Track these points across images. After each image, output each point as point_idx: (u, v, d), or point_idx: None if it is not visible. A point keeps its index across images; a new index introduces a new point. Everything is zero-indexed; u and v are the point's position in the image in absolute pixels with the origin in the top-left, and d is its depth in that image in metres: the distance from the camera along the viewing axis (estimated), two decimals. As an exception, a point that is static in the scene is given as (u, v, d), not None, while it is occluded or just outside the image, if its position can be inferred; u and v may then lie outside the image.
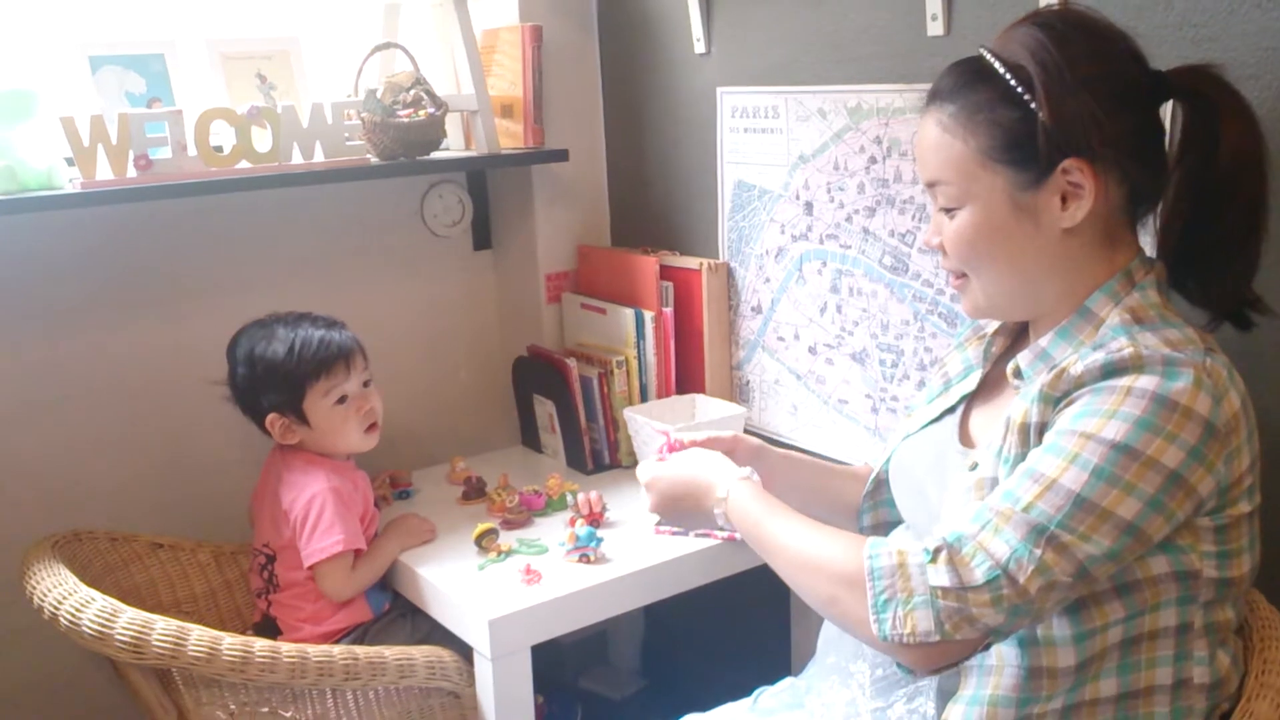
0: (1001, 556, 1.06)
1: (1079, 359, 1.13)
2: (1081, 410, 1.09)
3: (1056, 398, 1.13)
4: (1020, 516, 1.07)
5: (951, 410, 1.36)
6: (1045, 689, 1.15)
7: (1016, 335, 1.36)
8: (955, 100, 1.20)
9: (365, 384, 1.92)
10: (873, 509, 1.48)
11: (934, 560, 1.09)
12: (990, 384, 1.35)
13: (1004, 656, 1.17)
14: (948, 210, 1.23)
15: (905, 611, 1.09)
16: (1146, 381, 1.07)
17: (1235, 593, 1.17)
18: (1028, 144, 1.15)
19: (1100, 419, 1.07)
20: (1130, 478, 1.06)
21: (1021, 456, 1.14)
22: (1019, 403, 1.18)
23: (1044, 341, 1.22)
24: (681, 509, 1.45)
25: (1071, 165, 1.14)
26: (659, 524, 1.91)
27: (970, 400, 1.36)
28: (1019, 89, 1.15)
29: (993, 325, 1.39)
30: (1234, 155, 1.16)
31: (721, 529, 1.40)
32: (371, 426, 1.92)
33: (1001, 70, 1.17)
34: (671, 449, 1.55)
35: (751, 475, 1.38)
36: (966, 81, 1.20)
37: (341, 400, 1.87)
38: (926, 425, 1.38)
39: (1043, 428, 1.13)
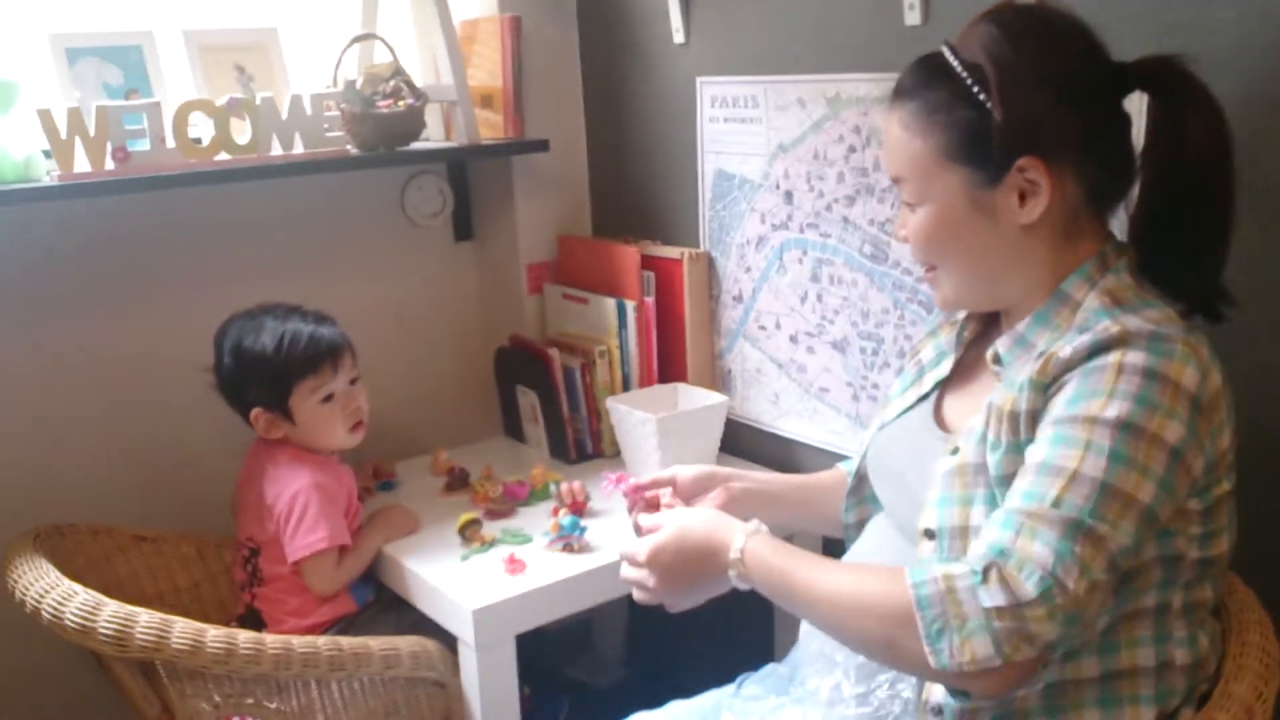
0: (1047, 561, 1.03)
1: (1065, 343, 1.13)
2: (1075, 393, 1.09)
3: (1046, 384, 1.13)
4: (1052, 513, 1.05)
5: (925, 397, 1.37)
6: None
7: (988, 319, 1.37)
8: (915, 98, 1.21)
9: (353, 382, 1.91)
10: (856, 505, 1.48)
11: (985, 580, 1.04)
12: (964, 369, 1.36)
13: None
14: (911, 205, 1.25)
15: (962, 638, 1.03)
16: (1135, 357, 1.08)
17: (1214, 572, 1.18)
18: (984, 143, 1.16)
19: (1100, 399, 1.07)
20: (1142, 458, 1.05)
21: (1015, 445, 1.14)
22: (1003, 390, 1.18)
23: (1021, 327, 1.23)
24: (689, 581, 1.28)
25: (1027, 163, 1.15)
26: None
27: (944, 386, 1.36)
28: (974, 88, 1.16)
29: (964, 310, 1.40)
30: (1199, 148, 1.16)
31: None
32: (357, 425, 1.92)
33: (958, 69, 1.18)
34: (631, 492, 1.54)
35: (760, 527, 1.25)
36: (925, 80, 1.21)
37: (328, 399, 1.86)
38: (902, 414, 1.39)
39: (1034, 416, 1.13)
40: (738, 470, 1.58)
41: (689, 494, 1.53)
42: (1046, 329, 1.20)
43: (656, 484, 1.54)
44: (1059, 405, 1.10)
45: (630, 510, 1.54)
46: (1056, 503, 1.05)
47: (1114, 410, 1.06)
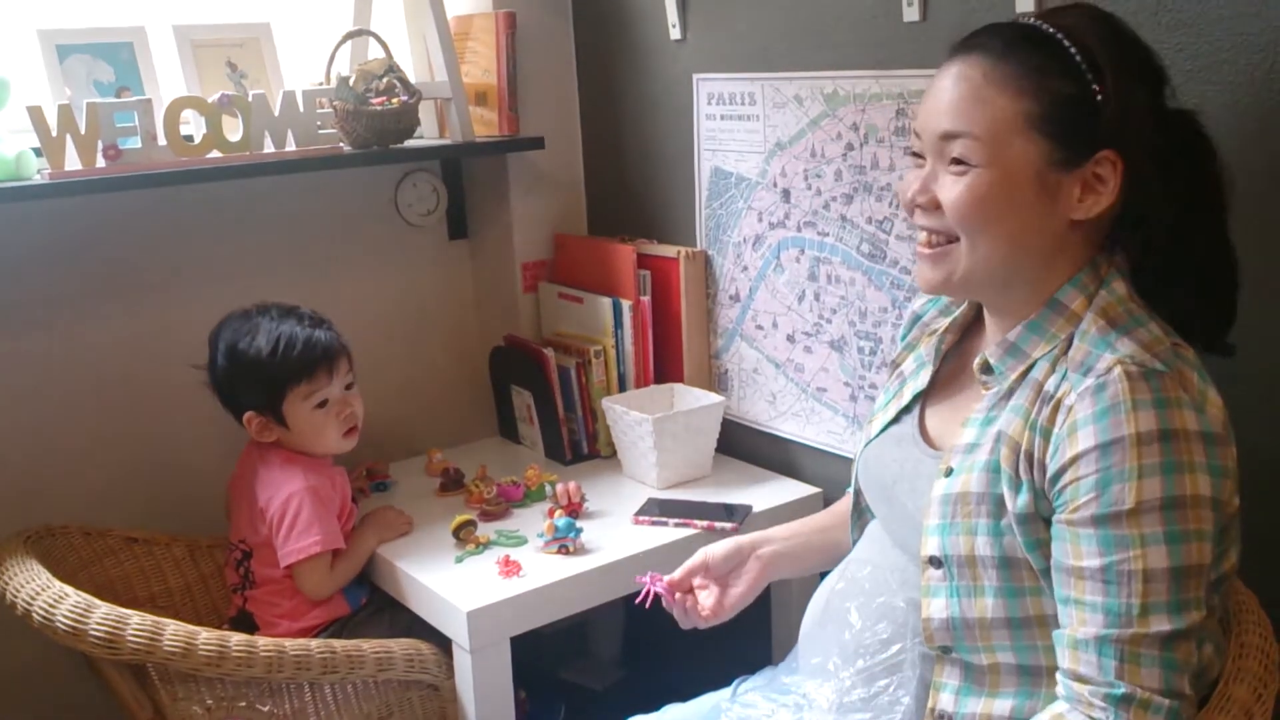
0: (1161, 685, 1.06)
1: (1070, 386, 1.11)
2: (1101, 480, 1.07)
3: (1061, 436, 1.10)
4: (1145, 633, 1.06)
5: (908, 410, 1.35)
6: (1044, 686, 1.17)
7: (964, 330, 1.35)
8: (1006, 56, 1.15)
9: (348, 387, 1.89)
10: (858, 520, 1.47)
11: None
12: (944, 381, 1.34)
13: (998, 656, 1.18)
14: (961, 164, 1.16)
15: None
16: (1146, 420, 1.06)
17: (1223, 586, 1.18)
18: (1074, 122, 1.13)
19: (1131, 484, 1.05)
20: (1193, 525, 1.06)
21: (1031, 485, 1.13)
22: (1012, 417, 1.16)
23: (1012, 336, 1.20)
24: None
25: (1108, 157, 1.13)
26: (638, 513, 1.91)
27: (924, 398, 1.35)
28: (1083, 65, 1.13)
29: (942, 322, 1.38)
30: (1198, 204, 1.16)
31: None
32: (351, 430, 1.90)
33: (1066, 43, 1.14)
34: (666, 591, 1.49)
35: None
36: (1019, 43, 1.16)
37: (322, 404, 1.84)
38: (885, 428, 1.37)
39: (1043, 465, 1.12)
40: (762, 534, 1.54)
41: (721, 572, 1.50)
42: (1041, 339, 1.18)
43: (690, 573, 1.50)
44: (1086, 495, 1.08)
45: (669, 606, 1.49)
46: (1144, 613, 1.05)
47: (1149, 492, 1.05)
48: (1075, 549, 1.09)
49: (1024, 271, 1.20)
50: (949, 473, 1.21)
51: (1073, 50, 1.13)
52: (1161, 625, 1.05)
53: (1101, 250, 1.21)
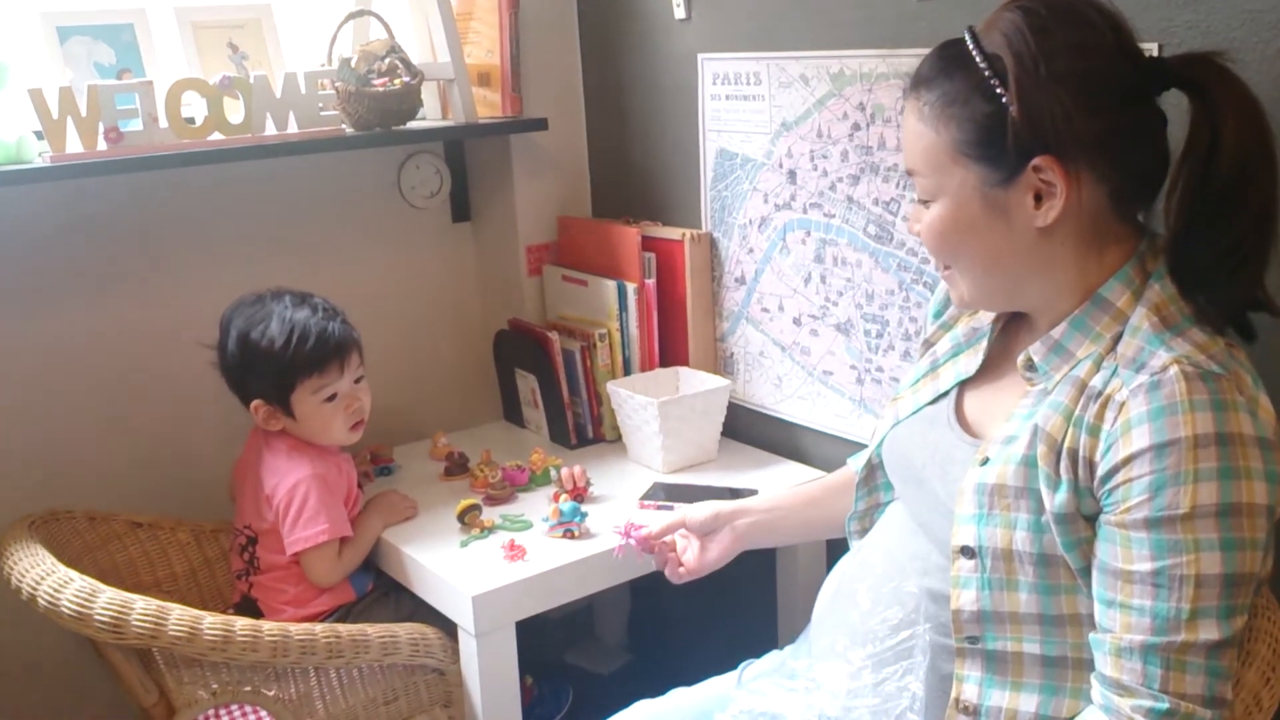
0: (1205, 691, 1.05)
1: (1122, 384, 1.09)
2: (1155, 482, 1.05)
3: (1115, 434, 1.08)
4: (1193, 641, 1.04)
5: (945, 394, 1.33)
6: (1069, 680, 1.16)
7: (1012, 314, 1.32)
8: (933, 88, 1.16)
9: (357, 381, 1.88)
10: (868, 494, 1.46)
11: None
12: (987, 368, 1.31)
13: (1025, 646, 1.17)
14: (924, 202, 1.20)
15: None
16: (1203, 423, 1.04)
17: (1258, 589, 1.16)
18: (999, 139, 1.11)
19: (1186, 488, 1.04)
20: (1248, 533, 1.04)
21: (1074, 485, 1.11)
22: (1049, 413, 1.14)
23: (1057, 333, 1.18)
24: None
25: (1042, 164, 1.11)
26: (643, 498, 1.91)
27: (964, 384, 1.32)
28: (992, 81, 1.11)
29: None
30: (1235, 156, 1.09)
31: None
32: (357, 424, 1.89)
33: (978, 59, 1.13)
34: (637, 538, 1.59)
35: None
36: (944, 69, 1.16)
37: (331, 398, 1.83)
38: (918, 410, 1.34)
39: (1091, 464, 1.10)
40: (743, 505, 1.60)
41: (699, 533, 1.58)
42: (1085, 336, 1.16)
43: (667, 530, 1.59)
44: (1139, 496, 1.06)
45: (643, 555, 1.59)
46: (1193, 618, 1.04)
47: (1205, 497, 1.03)
48: (1125, 552, 1.07)
49: (1021, 283, 1.19)
50: (985, 462, 1.18)
51: (981, 65, 1.12)
52: (1210, 633, 1.04)
53: (1141, 238, 1.18)
